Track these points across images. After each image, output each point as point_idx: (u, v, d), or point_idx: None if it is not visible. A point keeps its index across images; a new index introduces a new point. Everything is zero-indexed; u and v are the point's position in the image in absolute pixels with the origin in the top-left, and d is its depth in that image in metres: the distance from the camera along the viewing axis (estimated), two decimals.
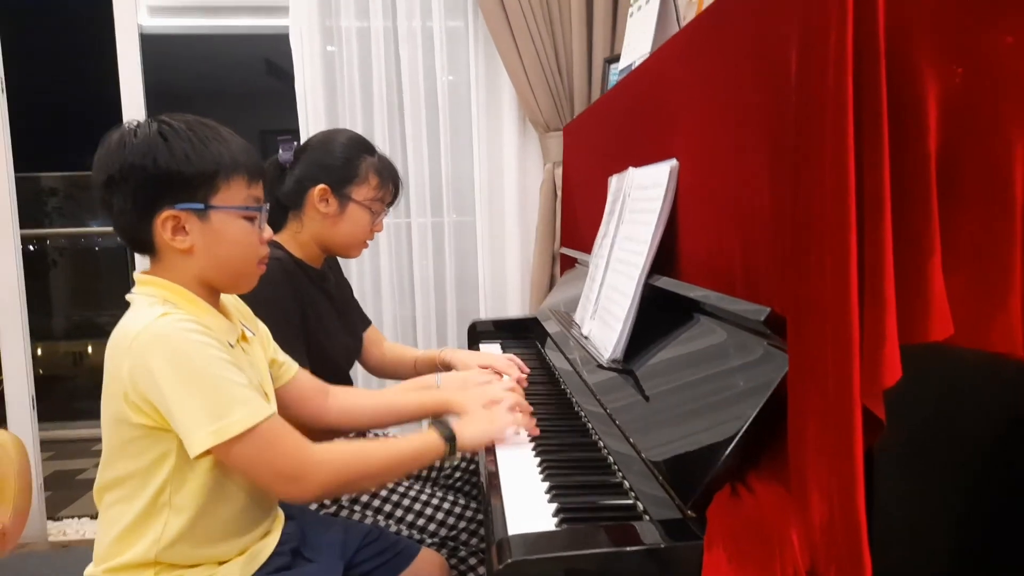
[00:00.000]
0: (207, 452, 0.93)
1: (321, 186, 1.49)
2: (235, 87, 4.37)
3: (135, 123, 1.00)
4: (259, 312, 1.37)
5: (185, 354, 0.93)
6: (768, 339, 0.82)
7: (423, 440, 1.13)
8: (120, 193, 0.98)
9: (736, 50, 0.95)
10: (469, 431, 1.16)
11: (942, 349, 0.65)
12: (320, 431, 1.33)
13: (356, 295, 2.56)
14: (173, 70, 4.06)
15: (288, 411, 1.17)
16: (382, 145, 2.52)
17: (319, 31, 2.54)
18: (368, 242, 1.59)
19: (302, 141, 1.59)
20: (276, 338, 1.38)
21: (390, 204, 1.60)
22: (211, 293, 1.06)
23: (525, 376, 1.57)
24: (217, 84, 4.36)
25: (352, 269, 2.59)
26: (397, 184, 1.59)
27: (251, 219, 1.04)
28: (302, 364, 1.42)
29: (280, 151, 1.52)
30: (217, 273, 1.03)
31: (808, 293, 0.68)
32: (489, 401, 1.28)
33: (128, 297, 1.03)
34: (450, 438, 1.14)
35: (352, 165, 1.51)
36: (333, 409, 1.31)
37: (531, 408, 1.24)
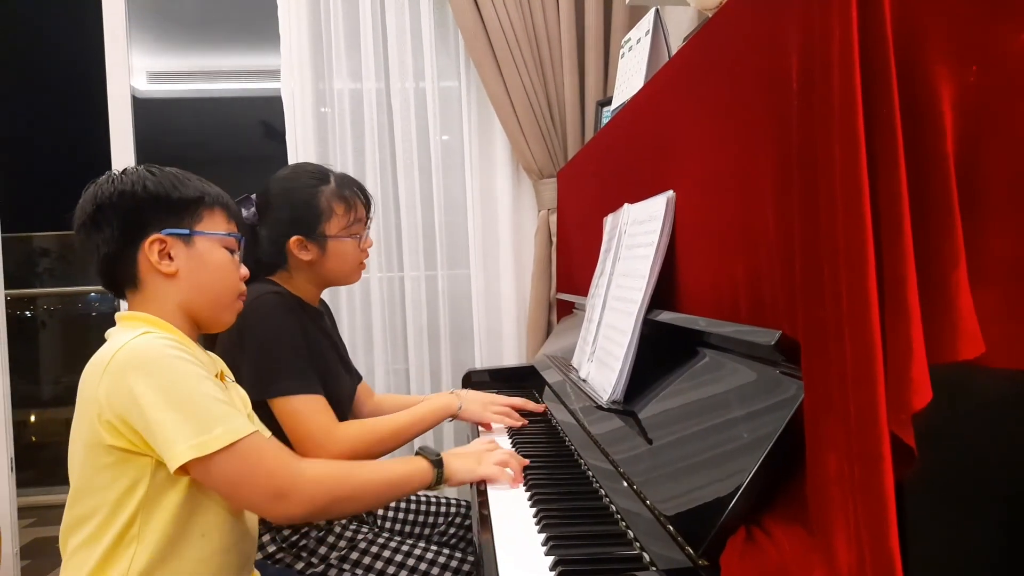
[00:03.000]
0: (185, 471, 0.91)
1: (295, 238, 1.46)
2: (230, 150, 4.39)
3: (121, 169, 1.05)
4: (264, 348, 1.33)
5: (165, 368, 0.92)
6: (779, 366, 0.76)
7: (412, 464, 1.14)
8: (108, 221, 1.00)
9: (731, 68, 0.91)
10: (457, 463, 1.17)
11: (974, 369, 0.59)
12: None
13: (348, 347, 2.53)
14: (169, 133, 4.09)
15: None
16: (374, 202, 2.50)
17: (312, 93, 2.54)
18: (365, 261, 1.56)
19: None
20: (283, 372, 1.33)
21: (367, 218, 1.55)
22: (192, 328, 1.06)
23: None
24: (212, 147, 4.38)
25: (344, 321, 2.54)
26: (365, 197, 1.54)
27: (231, 250, 1.07)
28: (317, 392, 1.37)
29: (243, 212, 1.47)
30: (199, 300, 1.04)
31: (824, 313, 0.62)
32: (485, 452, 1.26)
33: (107, 333, 1.02)
34: (438, 464, 1.15)
35: (313, 205, 1.46)
36: None
37: (523, 464, 1.21)
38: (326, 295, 2.45)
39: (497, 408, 1.57)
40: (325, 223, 1.47)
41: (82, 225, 1.02)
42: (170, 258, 1.02)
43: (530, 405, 1.62)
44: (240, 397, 1.14)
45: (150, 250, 1.00)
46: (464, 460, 1.18)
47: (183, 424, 0.90)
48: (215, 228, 1.06)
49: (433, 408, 1.54)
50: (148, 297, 1.02)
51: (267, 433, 1.17)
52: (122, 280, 1.03)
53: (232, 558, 1.02)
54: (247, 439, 0.93)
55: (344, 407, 1.56)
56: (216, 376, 1.03)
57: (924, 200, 0.60)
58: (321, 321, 1.55)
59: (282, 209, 1.47)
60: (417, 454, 1.17)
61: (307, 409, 1.34)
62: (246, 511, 1.06)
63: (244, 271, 1.10)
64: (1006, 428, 0.62)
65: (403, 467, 1.12)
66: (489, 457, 1.19)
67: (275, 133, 2.75)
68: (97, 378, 0.93)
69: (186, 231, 1.03)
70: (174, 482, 0.94)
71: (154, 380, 0.90)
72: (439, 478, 1.14)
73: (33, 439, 4.11)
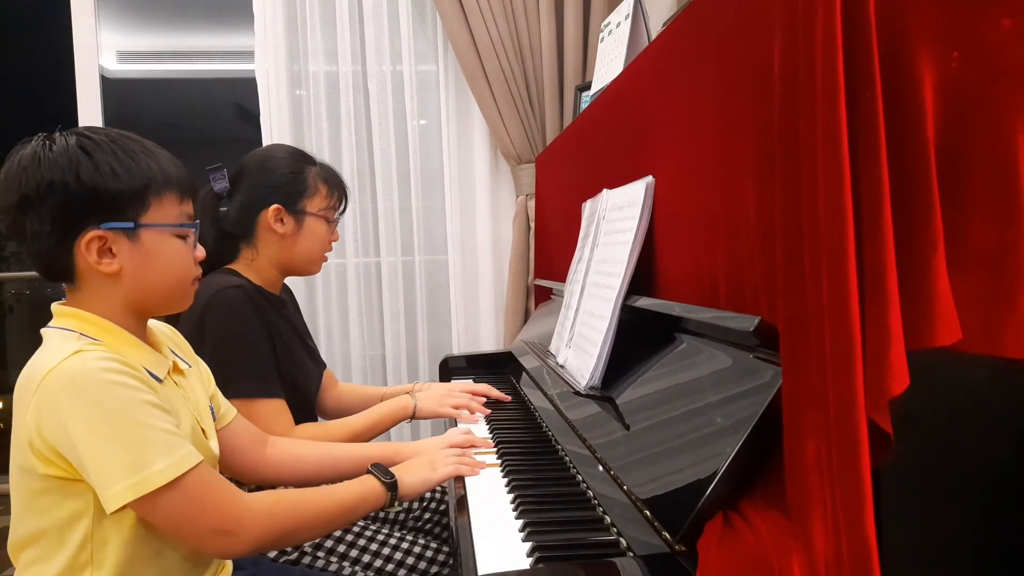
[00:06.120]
0: (124, 507, 0.83)
1: (274, 207, 1.43)
2: (203, 132, 4.32)
3: (45, 136, 0.89)
4: (228, 347, 1.30)
5: (99, 397, 0.82)
6: (757, 352, 0.76)
7: (364, 487, 1.06)
8: (36, 214, 0.86)
9: (713, 52, 0.91)
10: (410, 478, 1.11)
11: (950, 355, 0.59)
12: (255, 484, 1.25)
13: (323, 334, 2.52)
14: (140, 114, 4.00)
15: (221, 460, 1.07)
16: (350, 185, 2.48)
17: (287, 75, 2.50)
18: (327, 255, 1.54)
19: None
20: (245, 373, 1.30)
21: (342, 211, 1.56)
22: (138, 321, 0.96)
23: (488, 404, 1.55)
24: (184, 129, 4.30)
25: (319, 306, 2.51)
26: (344, 189, 1.56)
27: (184, 237, 0.96)
28: (278, 396, 1.36)
29: (212, 181, 1.44)
30: (148, 296, 0.94)
31: (803, 298, 0.62)
32: (448, 445, 1.23)
33: (42, 332, 0.92)
34: (391, 486, 1.08)
35: (300, 178, 1.46)
36: (271, 461, 1.20)
37: (479, 463, 1.17)
38: (300, 281, 2.43)
39: (454, 401, 1.54)
40: (308, 199, 1.47)
41: (6, 209, 0.88)
42: (112, 255, 0.89)
43: (494, 392, 1.60)
44: (202, 380, 1.09)
45: (87, 249, 0.87)
46: (418, 471, 1.13)
47: (119, 461, 0.81)
48: (165, 218, 0.92)
49: (389, 412, 1.51)
50: (88, 295, 0.91)
51: (232, 413, 1.16)
52: (57, 275, 0.91)
53: (191, 564, 0.98)
54: (191, 473, 0.85)
55: (311, 397, 1.54)
56: (168, 373, 0.97)
57: (904, 187, 0.60)
58: (285, 310, 1.52)
59: (263, 177, 1.45)
60: (369, 472, 1.11)
61: (266, 412, 1.32)
62: None
63: (200, 253, 0.99)
64: (981, 414, 0.63)
65: (354, 490, 1.06)
66: (442, 457, 1.15)
67: (249, 115, 2.71)
68: (26, 403, 0.84)
69: (130, 224, 0.89)
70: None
71: (87, 409, 0.81)
72: (392, 500, 1.08)
73: (0, 426, 4.04)
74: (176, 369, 1.00)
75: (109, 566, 0.88)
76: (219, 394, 1.14)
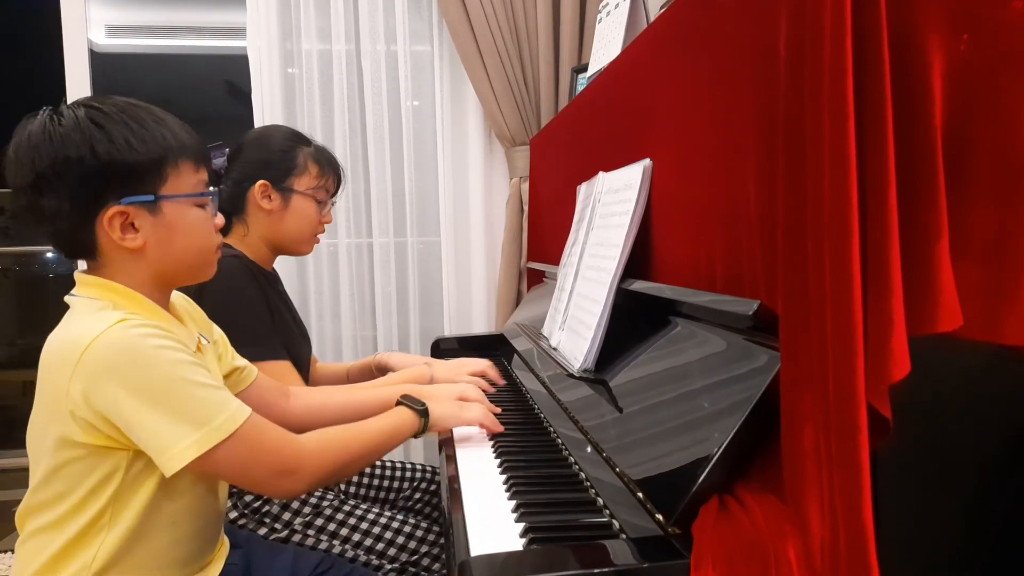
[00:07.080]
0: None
1: (260, 182, 1.44)
2: (194, 109, 4.25)
3: (51, 110, 0.87)
4: (227, 314, 1.30)
5: (150, 363, 0.83)
6: (755, 337, 0.76)
7: (398, 417, 1.12)
8: (54, 193, 0.85)
9: (715, 35, 0.90)
10: (440, 409, 1.16)
11: (950, 342, 0.59)
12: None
13: (314, 314, 2.51)
14: (130, 90, 3.94)
15: None
16: (343, 165, 2.45)
17: (279, 53, 2.47)
18: (319, 236, 1.55)
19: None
20: (248, 338, 1.31)
21: (334, 193, 1.56)
22: (163, 294, 0.96)
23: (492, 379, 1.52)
24: (174, 106, 4.22)
25: (311, 287, 2.50)
26: (338, 172, 1.56)
27: (203, 206, 0.95)
28: (283, 357, 1.37)
29: (212, 158, 1.45)
30: (173, 269, 0.94)
31: (805, 283, 0.62)
32: (459, 396, 1.26)
33: (67, 299, 0.91)
34: (423, 412, 1.13)
35: (289, 157, 1.47)
36: (296, 411, 1.23)
37: (498, 410, 1.24)
38: (291, 260, 2.41)
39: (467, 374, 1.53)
40: (295, 177, 1.47)
41: (20, 189, 0.87)
42: (135, 230, 0.88)
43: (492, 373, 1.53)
44: (217, 353, 1.09)
45: (110, 225, 0.86)
46: (447, 405, 1.18)
47: (179, 424, 0.83)
48: (184, 187, 0.91)
49: (411, 378, 1.48)
50: (113, 271, 0.90)
51: (255, 373, 1.17)
52: (78, 252, 0.90)
53: (200, 539, 0.98)
54: (247, 423, 0.88)
55: (304, 372, 1.54)
56: (195, 349, 0.97)
57: (910, 173, 0.59)
58: (278, 285, 1.54)
59: (255, 153, 1.47)
60: (399, 404, 1.15)
61: (275, 375, 1.32)
62: (220, 495, 1.02)
63: (219, 220, 0.99)
64: (981, 400, 0.63)
65: (391, 420, 1.10)
66: (471, 397, 1.21)
67: (241, 93, 2.68)
68: (67, 373, 0.82)
69: (150, 197, 0.88)
70: (149, 473, 0.88)
71: (139, 379, 0.82)
72: (425, 427, 1.13)
73: None
74: (198, 347, 1.00)
75: (123, 531, 0.89)
76: (237, 358, 1.15)
